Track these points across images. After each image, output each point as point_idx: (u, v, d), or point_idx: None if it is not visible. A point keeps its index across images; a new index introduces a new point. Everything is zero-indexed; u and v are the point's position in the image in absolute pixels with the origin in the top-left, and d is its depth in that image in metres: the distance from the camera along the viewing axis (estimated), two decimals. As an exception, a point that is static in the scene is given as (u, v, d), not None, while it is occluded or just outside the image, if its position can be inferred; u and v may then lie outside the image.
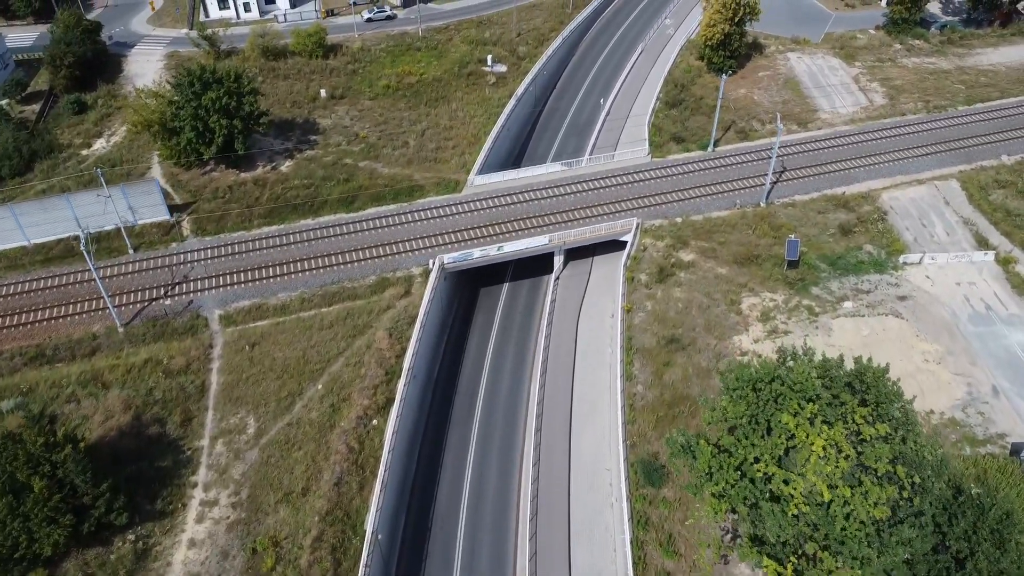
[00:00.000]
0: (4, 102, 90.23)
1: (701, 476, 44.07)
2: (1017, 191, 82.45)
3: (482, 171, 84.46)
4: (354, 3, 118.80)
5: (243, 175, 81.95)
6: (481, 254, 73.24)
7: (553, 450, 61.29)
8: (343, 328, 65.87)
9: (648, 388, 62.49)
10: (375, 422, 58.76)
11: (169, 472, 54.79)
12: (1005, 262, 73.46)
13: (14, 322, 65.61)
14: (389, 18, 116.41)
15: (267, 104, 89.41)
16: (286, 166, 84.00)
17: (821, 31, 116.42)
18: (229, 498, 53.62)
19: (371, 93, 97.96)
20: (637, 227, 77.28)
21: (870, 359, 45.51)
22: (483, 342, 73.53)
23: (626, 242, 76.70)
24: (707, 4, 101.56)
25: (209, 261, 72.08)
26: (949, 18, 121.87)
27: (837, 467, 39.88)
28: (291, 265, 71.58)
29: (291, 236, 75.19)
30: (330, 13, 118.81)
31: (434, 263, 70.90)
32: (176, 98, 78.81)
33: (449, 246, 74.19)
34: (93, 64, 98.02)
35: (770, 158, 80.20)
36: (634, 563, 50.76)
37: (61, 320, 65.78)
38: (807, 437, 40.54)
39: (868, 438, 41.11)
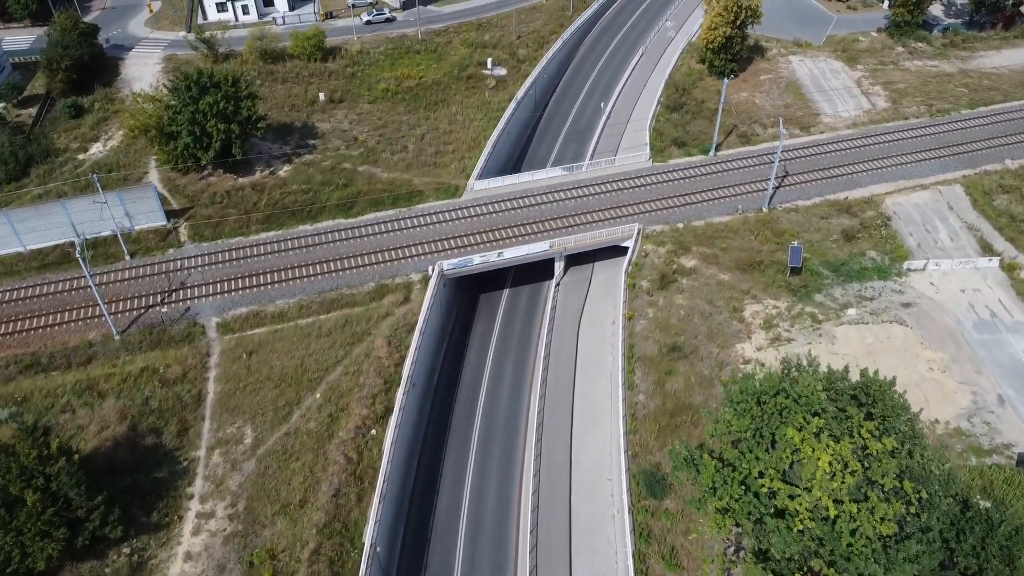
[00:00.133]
0: (0, 106, 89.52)
1: (705, 491, 43.37)
2: (1021, 196, 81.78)
3: (482, 176, 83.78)
4: (353, 5, 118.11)
5: (241, 180, 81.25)
6: (481, 260, 72.56)
7: (554, 460, 60.62)
8: (341, 336, 65.18)
9: (650, 397, 61.82)
10: (373, 432, 58.09)
11: (165, 483, 54.09)
12: (1010, 268, 72.81)
13: (9, 329, 64.94)
14: (388, 20, 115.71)
15: (265, 108, 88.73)
16: (284, 171, 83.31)
17: (823, 34, 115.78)
18: (226, 510, 52.93)
19: (370, 96, 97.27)
20: (638, 233, 76.61)
21: (876, 372, 44.82)
22: (483, 349, 72.83)
23: (627, 248, 76.02)
24: (708, 7, 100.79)
25: (206, 267, 71.39)
26: (951, 20, 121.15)
27: (843, 483, 39.19)
28: (289, 271, 70.88)
29: (289, 242, 74.49)
30: (329, 16, 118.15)
31: (433, 269, 70.23)
32: (173, 102, 78.14)
33: (449, 252, 73.50)
34: (90, 67, 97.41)
35: (772, 162, 79.54)
36: (636, 576, 50.13)
37: (57, 328, 65.11)
38: (812, 452, 39.84)
39: (874, 452, 40.42)
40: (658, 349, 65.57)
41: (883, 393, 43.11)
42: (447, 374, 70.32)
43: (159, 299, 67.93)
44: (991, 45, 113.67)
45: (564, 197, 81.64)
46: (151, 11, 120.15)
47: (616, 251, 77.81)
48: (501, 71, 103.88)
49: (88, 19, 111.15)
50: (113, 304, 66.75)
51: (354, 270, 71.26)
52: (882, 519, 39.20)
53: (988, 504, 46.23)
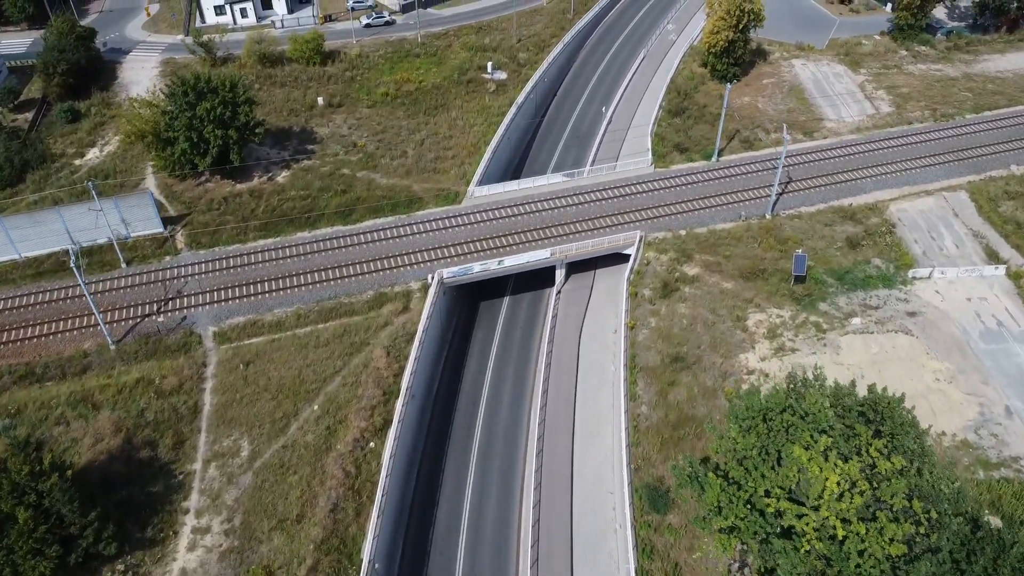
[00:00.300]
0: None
1: (710, 509, 42.50)
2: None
3: (482, 182, 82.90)
4: (352, 8, 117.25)
5: (239, 186, 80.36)
6: (481, 268, 71.72)
7: (555, 473, 59.78)
8: (340, 346, 64.31)
9: (653, 408, 60.95)
10: (372, 445, 57.21)
11: (160, 498, 53.20)
12: (1016, 276, 71.93)
13: (3, 339, 64.06)
14: (388, 24, 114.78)
15: (263, 112, 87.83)
16: (282, 177, 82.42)
17: (826, 37, 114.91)
18: (222, 525, 52.06)
19: (369, 101, 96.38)
20: (640, 240, 75.74)
21: (885, 388, 43.95)
22: (483, 359, 71.96)
23: (629, 255, 75.13)
24: (710, 10, 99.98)
25: (203, 275, 70.51)
26: (955, 24, 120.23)
27: (851, 503, 38.33)
28: (287, 280, 69.98)
29: (287, 249, 73.59)
30: (328, 19, 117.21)
31: (433, 278, 69.37)
32: (170, 108, 77.26)
33: (448, 260, 72.63)
34: (87, 71, 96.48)
35: (775, 168, 78.66)
36: (639, 594, 49.32)
37: (51, 337, 64.21)
38: (820, 471, 38.98)
39: (883, 471, 39.57)
40: (660, 359, 64.72)
41: (892, 410, 42.28)
42: (447, 384, 69.48)
43: (155, 308, 67.06)
44: (995, 48, 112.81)
45: (565, 204, 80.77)
46: (148, 14, 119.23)
47: (618, 259, 76.92)
48: (501, 75, 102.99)
49: (85, 22, 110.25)
50: (108, 313, 65.88)
51: (353, 278, 70.40)
52: (891, 540, 38.34)
53: (998, 521, 45.39)
